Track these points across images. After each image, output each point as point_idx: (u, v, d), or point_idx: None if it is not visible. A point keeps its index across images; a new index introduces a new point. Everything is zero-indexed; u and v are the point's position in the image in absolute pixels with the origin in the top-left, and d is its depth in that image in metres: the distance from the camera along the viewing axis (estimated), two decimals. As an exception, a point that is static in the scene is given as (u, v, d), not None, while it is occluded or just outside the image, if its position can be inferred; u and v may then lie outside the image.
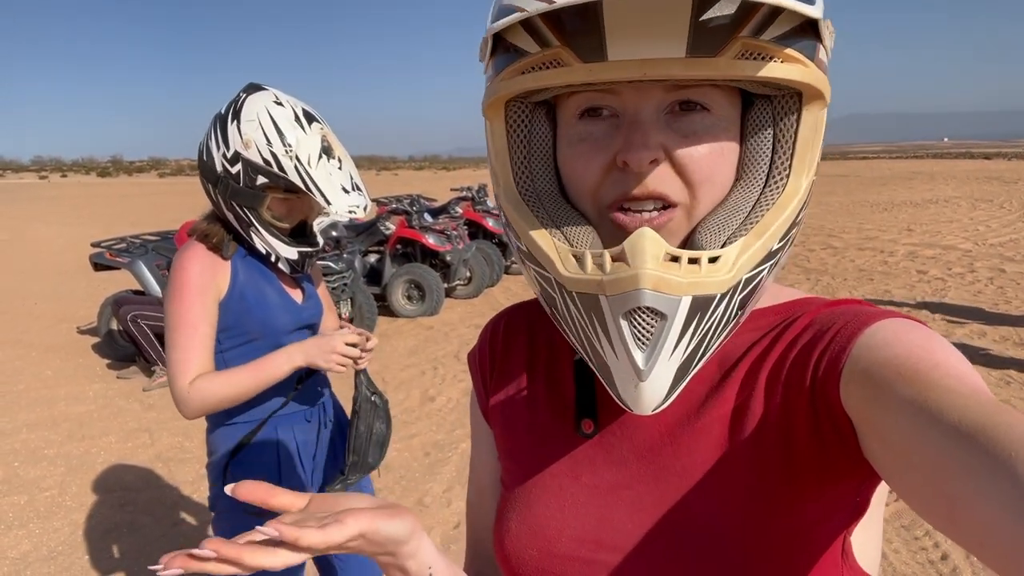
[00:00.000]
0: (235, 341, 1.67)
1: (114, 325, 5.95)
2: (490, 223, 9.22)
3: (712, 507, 0.59)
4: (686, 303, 0.52)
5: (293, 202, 1.68)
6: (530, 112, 0.62)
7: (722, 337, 0.57)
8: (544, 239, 0.58)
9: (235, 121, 1.60)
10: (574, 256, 0.56)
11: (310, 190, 1.59)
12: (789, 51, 0.51)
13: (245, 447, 1.70)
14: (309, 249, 1.74)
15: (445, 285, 7.75)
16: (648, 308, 0.52)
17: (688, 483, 0.61)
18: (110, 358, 6.13)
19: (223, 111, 1.65)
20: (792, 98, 0.57)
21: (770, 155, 0.58)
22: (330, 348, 1.63)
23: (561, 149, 0.61)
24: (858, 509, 0.59)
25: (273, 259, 1.70)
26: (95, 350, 6.48)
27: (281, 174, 1.58)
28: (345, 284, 6.15)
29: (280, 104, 1.64)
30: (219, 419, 1.71)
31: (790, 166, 0.57)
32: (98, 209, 24.63)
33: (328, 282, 5.96)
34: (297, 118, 1.63)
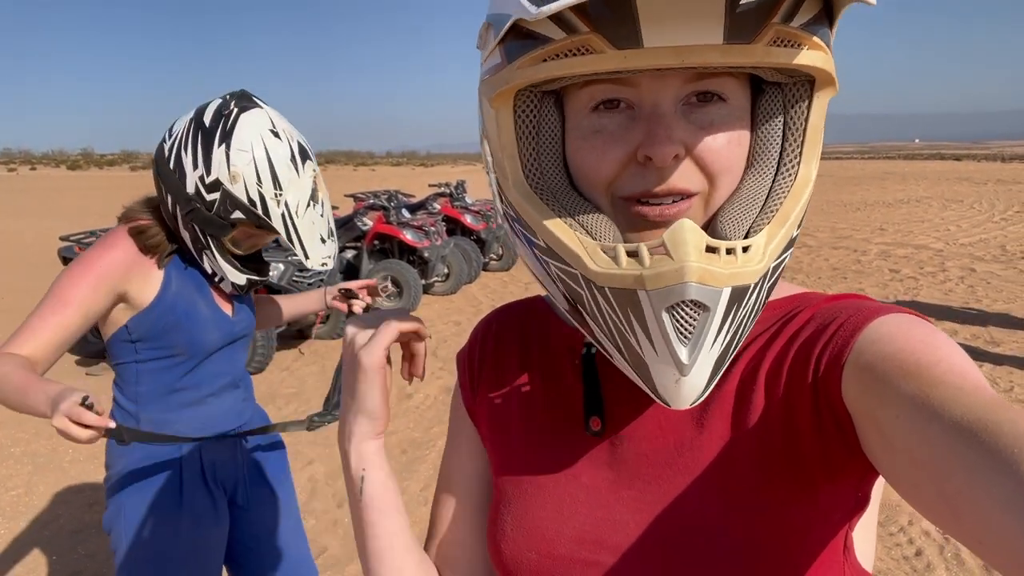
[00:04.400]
0: (155, 354, 1.56)
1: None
2: (468, 220, 9.19)
3: (716, 503, 0.58)
4: (727, 294, 0.51)
5: (258, 235, 1.58)
6: (538, 101, 0.59)
7: (751, 326, 0.56)
8: (566, 233, 0.56)
9: (224, 145, 1.45)
10: (603, 250, 0.54)
11: (291, 241, 1.50)
12: (815, 39, 0.51)
13: (145, 466, 1.58)
14: (258, 278, 1.65)
15: (423, 281, 7.70)
16: (692, 301, 0.50)
17: (690, 480, 0.60)
18: (79, 354, 5.99)
19: (209, 124, 1.48)
20: (803, 85, 0.57)
21: (780, 142, 0.58)
22: (60, 410, 1.23)
23: (572, 141, 0.59)
24: (859, 504, 0.59)
25: (218, 279, 1.60)
26: (64, 346, 6.33)
27: (264, 218, 1.48)
28: (321, 280, 6.08)
29: (277, 135, 1.49)
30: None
31: (800, 153, 0.58)
32: (68, 202, 24.19)
33: (304, 278, 5.88)
34: (293, 157, 1.50)
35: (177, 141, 1.50)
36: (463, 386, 0.80)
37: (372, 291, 1.95)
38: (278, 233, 1.51)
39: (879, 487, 0.61)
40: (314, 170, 1.56)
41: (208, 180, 1.46)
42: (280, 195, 1.47)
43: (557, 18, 0.50)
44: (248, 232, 1.55)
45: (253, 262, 1.68)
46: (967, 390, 0.45)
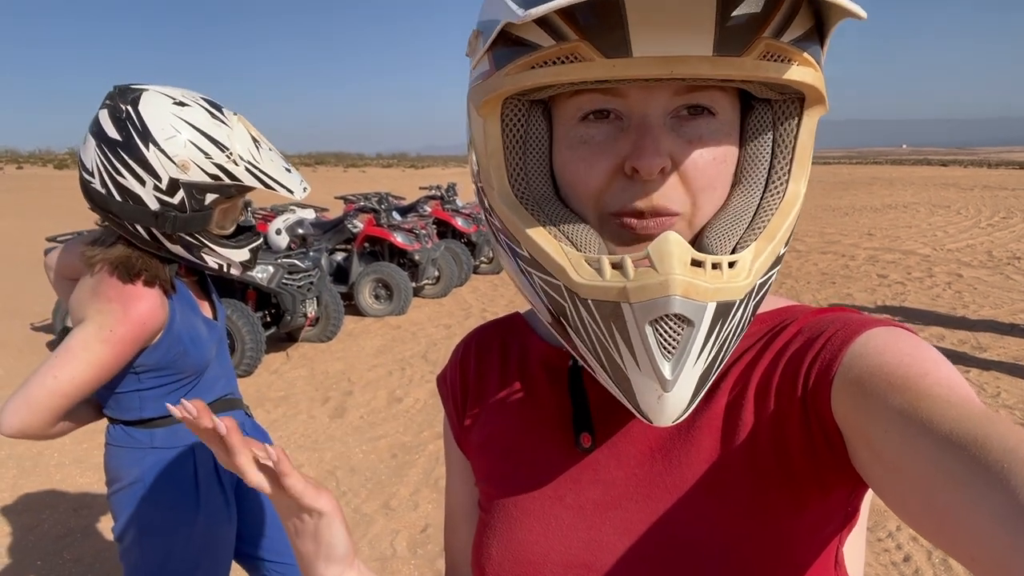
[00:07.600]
0: (160, 381, 1.54)
1: (70, 322, 5.78)
2: (459, 222, 9.18)
3: (706, 523, 0.57)
4: (711, 309, 0.50)
5: (233, 205, 1.57)
6: (527, 110, 0.58)
7: (736, 343, 0.55)
8: (550, 244, 0.55)
9: (151, 144, 1.40)
10: (588, 262, 0.53)
11: (269, 186, 1.49)
12: (805, 55, 0.51)
13: (160, 471, 1.56)
14: (258, 242, 1.65)
15: (413, 284, 7.68)
16: (676, 315, 0.49)
17: (679, 499, 0.59)
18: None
19: (119, 136, 1.41)
20: (793, 102, 0.57)
21: (769, 159, 0.58)
22: None
23: (559, 151, 0.58)
24: (849, 517, 0.58)
25: (226, 268, 1.59)
26: (50, 348, 6.28)
27: (234, 182, 1.46)
28: (311, 283, 6.05)
29: (184, 104, 1.46)
30: (126, 443, 1.56)
31: (789, 171, 0.58)
32: (55, 202, 23.97)
33: (294, 280, 5.85)
34: (212, 114, 1.48)
35: (103, 172, 1.43)
36: (449, 415, 0.79)
37: None
38: (253, 189, 1.50)
39: (867, 501, 0.61)
40: (235, 113, 1.54)
41: (164, 185, 1.42)
42: (231, 154, 1.46)
43: (546, 25, 0.50)
44: (224, 208, 1.53)
45: (240, 233, 1.66)
46: (955, 403, 0.45)
